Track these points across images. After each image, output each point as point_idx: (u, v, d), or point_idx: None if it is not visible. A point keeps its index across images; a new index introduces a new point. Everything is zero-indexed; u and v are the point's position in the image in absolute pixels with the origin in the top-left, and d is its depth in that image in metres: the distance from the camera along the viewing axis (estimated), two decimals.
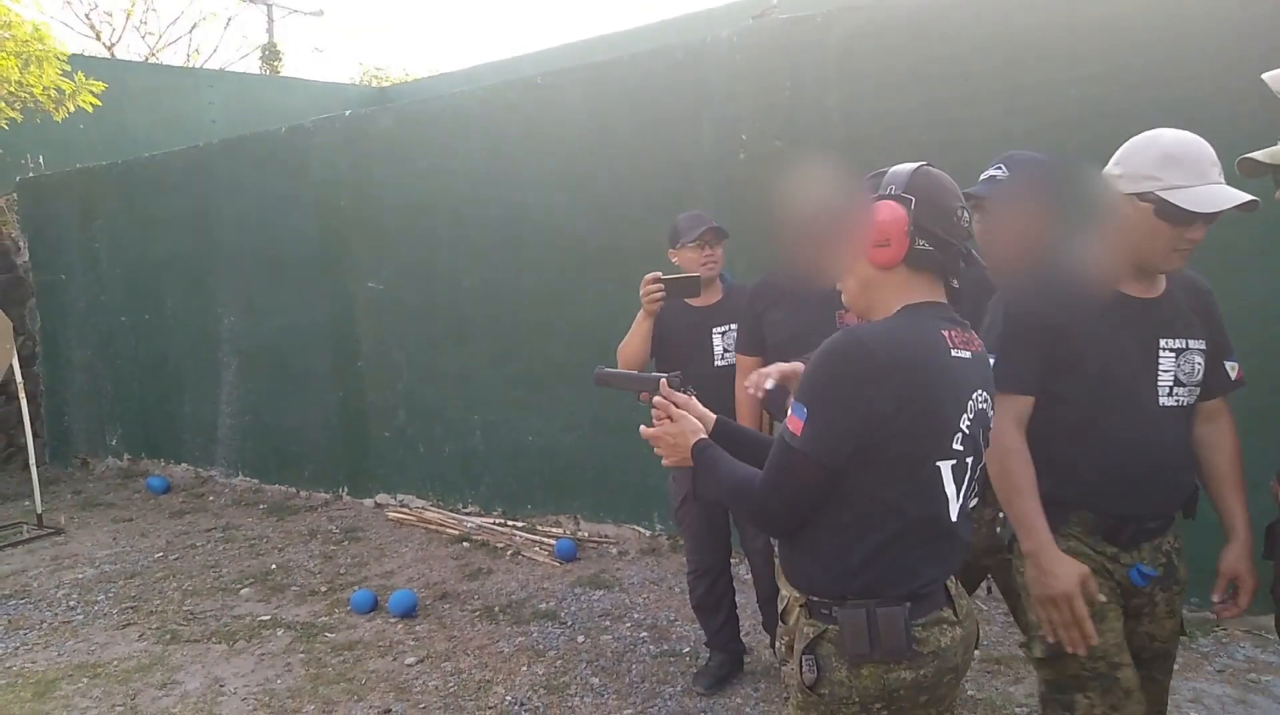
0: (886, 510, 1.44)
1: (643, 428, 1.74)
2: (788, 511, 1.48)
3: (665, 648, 3.62)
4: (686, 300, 2.98)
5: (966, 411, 1.46)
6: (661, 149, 4.46)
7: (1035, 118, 3.53)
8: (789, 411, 1.45)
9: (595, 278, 4.75)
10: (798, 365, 1.72)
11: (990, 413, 1.54)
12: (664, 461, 1.73)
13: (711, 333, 3.09)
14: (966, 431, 1.46)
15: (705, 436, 1.66)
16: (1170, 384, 1.81)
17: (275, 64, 16.61)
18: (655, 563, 4.53)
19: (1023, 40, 3.54)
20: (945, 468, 1.44)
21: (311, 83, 13.17)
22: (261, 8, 18.29)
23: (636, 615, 3.94)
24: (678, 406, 1.71)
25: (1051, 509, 1.80)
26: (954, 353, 1.46)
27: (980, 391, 1.50)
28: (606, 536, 4.88)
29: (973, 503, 1.54)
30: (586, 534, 4.93)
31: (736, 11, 8.34)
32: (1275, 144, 1.71)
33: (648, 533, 4.80)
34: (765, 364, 2.65)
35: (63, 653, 3.89)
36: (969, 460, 1.48)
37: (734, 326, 3.03)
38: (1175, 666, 3.18)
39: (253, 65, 17.97)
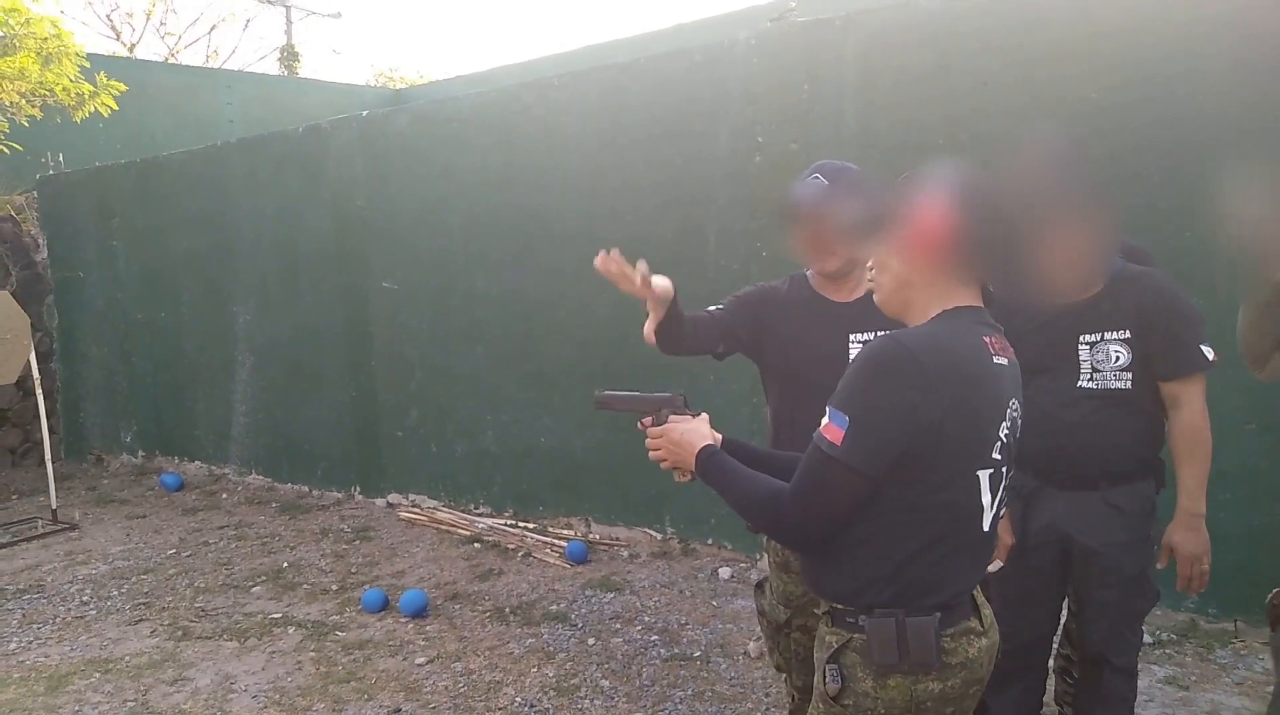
0: (923, 519, 1.40)
1: (651, 429, 1.69)
2: (822, 524, 1.41)
3: (676, 651, 3.60)
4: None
5: (1005, 420, 1.43)
6: (677, 152, 4.45)
7: (1054, 122, 3.50)
8: (825, 417, 1.39)
9: (609, 280, 4.73)
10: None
11: (1020, 421, 1.51)
12: (663, 465, 1.67)
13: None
14: (1004, 440, 1.43)
15: (709, 443, 1.60)
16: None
17: (293, 65, 16.72)
18: (666, 566, 4.51)
19: (1042, 44, 3.52)
20: (984, 477, 1.42)
21: (328, 84, 13.24)
22: (280, 9, 18.40)
23: (647, 618, 3.93)
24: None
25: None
26: (994, 360, 1.43)
27: (1014, 400, 1.47)
28: (618, 539, 4.87)
29: (1002, 512, 1.51)
30: (598, 536, 4.92)
31: (754, 15, 8.34)
32: None
33: (659, 536, 4.79)
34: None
35: (75, 648, 3.91)
36: (1004, 469, 1.45)
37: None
38: (1193, 678, 3.15)
39: (271, 66, 18.11)
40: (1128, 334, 2.14)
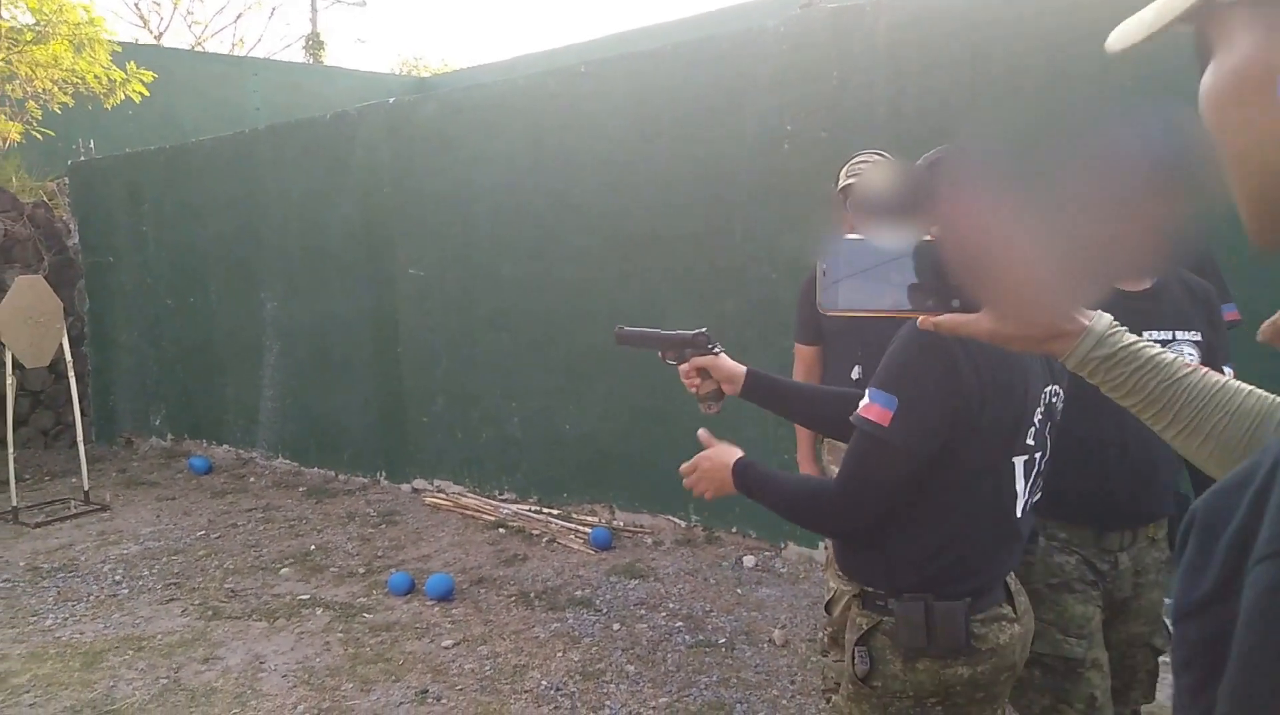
0: (957, 505, 1.41)
1: (683, 467, 1.65)
2: (871, 508, 1.41)
3: (700, 638, 3.62)
4: None
5: (1040, 405, 1.43)
6: (704, 139, 4.44)
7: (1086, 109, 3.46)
8: (865, 400, 1.38)
9: (636, 268, 4.74)
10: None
11: (1060, 408, 1.50)
12: (707, 496, 1.62)
13: None
14: (1038, 426, 1.43)
15: (742, 455, 1.57)
16: None
17: (318, 53, 16.79)
18: (690, 554, 4.53)
19: (1075, 31, 3.47)
20: (1018, 463, 1.42)
21: (353, 72, 13.29)
22: None
23: (672, 605, 3.94)
24: (703, 367, 1.67)
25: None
26: None
27: (1054, 386, 1.46)
28: (641, 526, 4.89)
29: (1036, 497, 1.51)
30: (621, 523, 4.94)
31: (783, 1, 8.27)
32: None
33: (683, 524, 4.80)
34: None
35: (109, 625, 3.98)
36: (1038, 455, 1.45)
37: None
38: None
39: (296, 54, 18.19)
40: (1199, 336, 1.88)
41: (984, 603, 1.44)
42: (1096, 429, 1.75)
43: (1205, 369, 0.91)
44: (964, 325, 0.88)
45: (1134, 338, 0.90)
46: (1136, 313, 1.87)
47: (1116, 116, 1.45)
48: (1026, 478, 1.44)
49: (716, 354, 1.71)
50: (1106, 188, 1.39)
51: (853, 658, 1.50)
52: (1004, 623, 1.46)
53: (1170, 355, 0.91)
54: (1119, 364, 0.88)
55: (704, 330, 1.73)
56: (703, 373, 1.70)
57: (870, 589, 1.50)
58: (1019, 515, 1.45)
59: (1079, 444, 1.75)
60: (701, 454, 1.64)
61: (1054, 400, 1.47)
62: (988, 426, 1.37)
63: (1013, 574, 1.53)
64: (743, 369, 1.70)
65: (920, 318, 0.90)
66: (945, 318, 0.89)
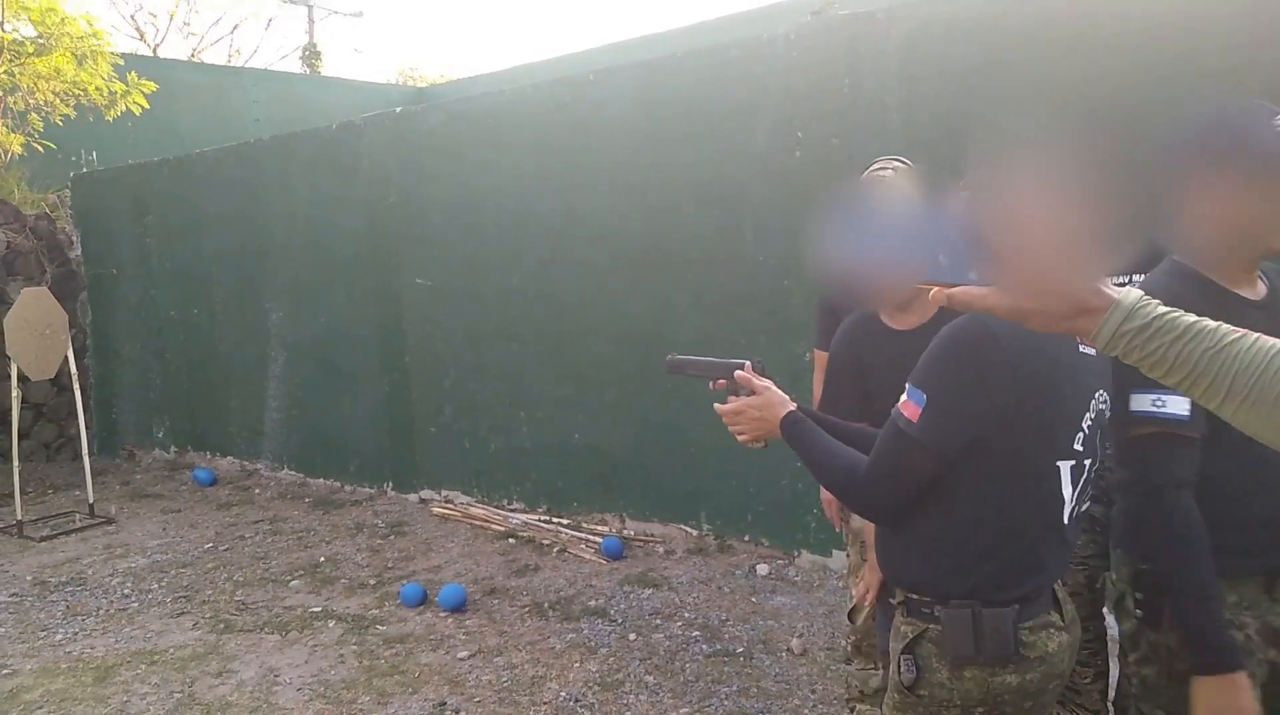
0: (1002, 509, 1.40)
1: (717, 406, 1.68)
2: (895, 499, 1.45)
3: (718, 647, 3.60)
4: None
5: (1089, 411, 1.43)
6: (715, 148, 4.43)
7: (1103, 118, 3.46)
8: (904, 394, 1.41)
9: (645, 277, 4.73)
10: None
11: (1109, 414, 1.50)
12: (741, 438, 1.64)
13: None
14: (1087, 432, 1.42)
15: (792, 409, 1.59)
16: None
17: (315, 64, 16.81)
18: (703, 562, 4.51)
19: (1093, 37, 3.48)
20: (1065, 468, 1.41)
21: (352, 82, 13.31)
22: (302, 9, 18.51)
23: (687, 614, 3.92)
24: (756, 392, 1.65)
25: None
26: (1081, 348, 1.42)
27: (1101, 392, 1.46)
28: (653, 535, 4.87)
29: (1085, 506, 1.50)
30: (632, 532, 4.92)
31: (794, 9, 8.29)
32: None
33: (695, 532, 4.78)
34: None
35: (120, 639, 3.95)
36: (1087, 462, 1.44)
37: None
38: None
39: (293, 65, 18.21)
40: None
41: (1032, 610, 1.43)
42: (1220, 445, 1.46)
43: (1257, 334, 0.82)
44: (981, 298, 0.84)
45: (1169, 308, 0.82)
46: (1256, 323, 1.56)
47: (1226, 107, 1.40)
48: (1074, 485, 1.43)
49: (769, 382, 1.69)
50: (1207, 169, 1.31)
51: (898, 666, 1.49)
52: (1052, 630, 1.44)
53: (1212, 322, 0.81)
54: (1155, 335, 0.80)
55: (758, 361, 1.72)
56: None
57: (916, 596, 1.49)
58: (1067, 522, 1.44)
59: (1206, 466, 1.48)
60: (746, 401, 1.64)
61: (1103, 406, 1.46)
62: (1025, 427, 1.36)
63: (1060, 581, 1.51)
64: (794, 404, 1.68)
65: (933, 290, 0.87)
66: (960, 290, 0.85)
